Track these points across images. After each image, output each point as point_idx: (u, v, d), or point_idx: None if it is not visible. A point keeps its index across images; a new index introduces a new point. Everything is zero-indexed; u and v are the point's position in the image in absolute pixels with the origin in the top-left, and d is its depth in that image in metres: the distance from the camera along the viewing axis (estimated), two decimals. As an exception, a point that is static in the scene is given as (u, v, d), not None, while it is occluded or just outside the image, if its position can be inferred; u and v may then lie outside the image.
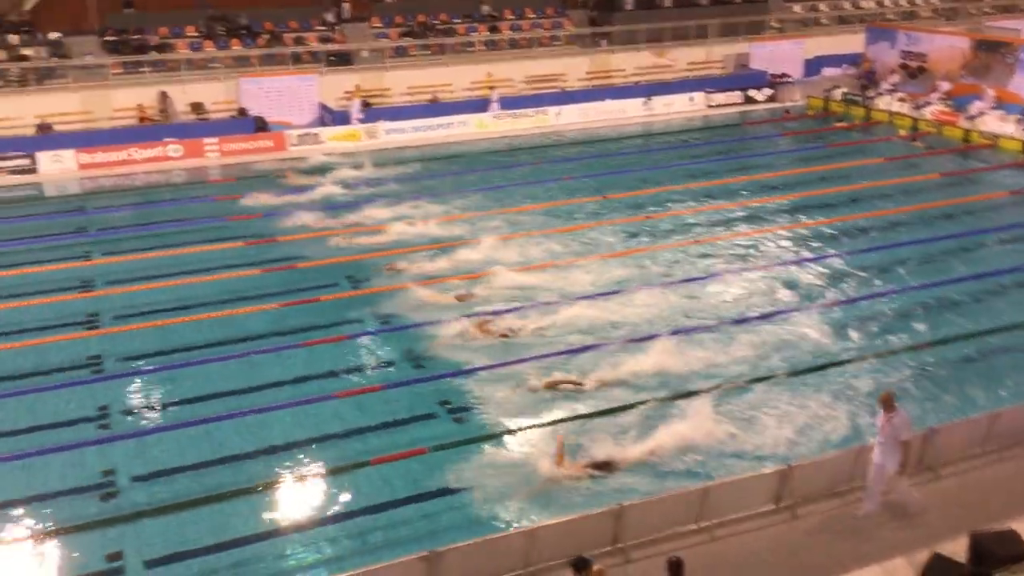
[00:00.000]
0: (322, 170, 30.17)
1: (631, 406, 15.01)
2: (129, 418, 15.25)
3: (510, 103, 36.51)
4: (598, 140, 34.61)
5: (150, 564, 11.71)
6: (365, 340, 18.01)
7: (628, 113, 37.50)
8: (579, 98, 37.66)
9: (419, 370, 16.67)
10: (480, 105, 36.12)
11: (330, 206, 26.23)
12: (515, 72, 38.97)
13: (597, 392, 15.63)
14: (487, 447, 14.11)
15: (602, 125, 36.38)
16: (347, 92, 35.63)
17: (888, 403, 11.76)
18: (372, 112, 35.20)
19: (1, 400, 15.76)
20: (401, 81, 37.34)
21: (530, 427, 14.61)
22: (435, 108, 36.05)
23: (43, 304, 19.75)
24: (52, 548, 12.03)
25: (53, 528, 12.40)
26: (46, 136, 31.63)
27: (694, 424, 14.16)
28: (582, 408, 15.13)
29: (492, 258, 21.62)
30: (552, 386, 15.67)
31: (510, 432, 14.51)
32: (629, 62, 41.03)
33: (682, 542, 11.43)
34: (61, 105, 32.68)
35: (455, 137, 34.67)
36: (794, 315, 18.56)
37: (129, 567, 11.65)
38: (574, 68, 40.03)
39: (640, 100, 37.93)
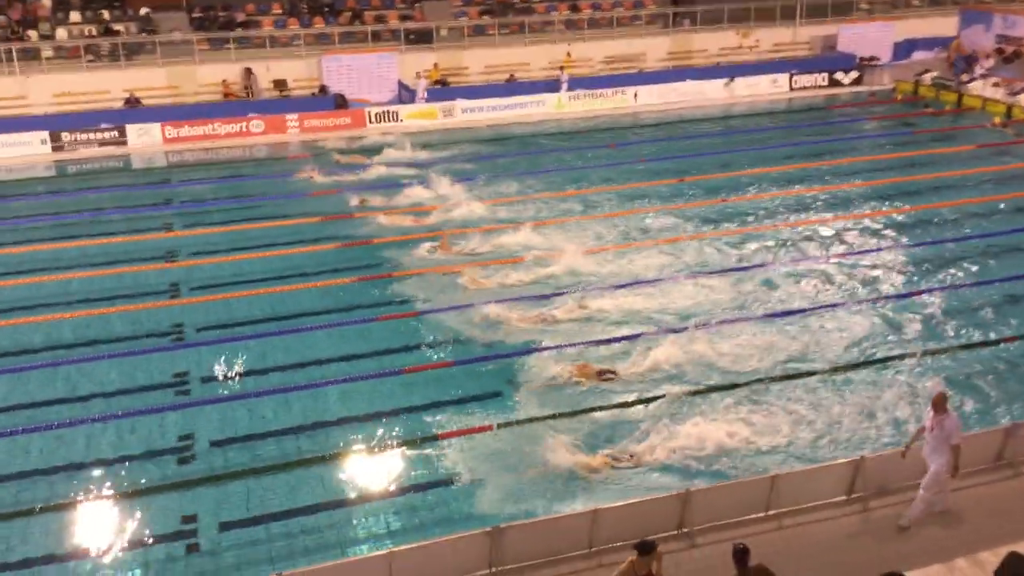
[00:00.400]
0: (395, 146, 30.39)
1: (662, 397, 14.65)
2: (207, 385, 15.67)
3: (589, 83, 36.28)
4: (677, 122, 34.13)
5: (224, 527, 12.03)
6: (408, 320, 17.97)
7: (709, 95, 36.93)
8: (659, 79, 37.19)
9: (449, 353, 16.56)
10: (558, 85, 35.93)
11: (397, 184, 26.33)
12: (594, 52, 38.65)
13: (633, 381, 15.26)
14: (504, 433, 13.90)
15: (682, 107, 35.89)
16: (425, 71, 35.77)
17: (940, 404, 11.34)
18: (449, 91, 35.35)
19: (89, 363, 16.34)
20: (479, 60, 37.37)
21: (551, 416, 14.27)
22: (512, 87, 36.02)
23: (129, 273, 20.40)
24: (132, 508, 12.44)
25: (134, 488, 12.82)
26: (134, 110, 32.57)
27: (735, 417, 13.94)
28: (616, 397, 14.80)
29: (557, 241, 21.54)
30: (584, 374, 15.29)
31: (529, 420, 14.19)
32: (712, 43, 40.32)
33: (749, 529, 11.28)
34: (149, 80, 33.58)
35: (532, 117, 34.58)
36: (869, 305, 18.07)
37: (202, 529, 12.00)
38: (654, 48, 39.54)
39: (722, 82, 37.31)
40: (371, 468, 13.37)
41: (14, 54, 32.28)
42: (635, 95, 36.23)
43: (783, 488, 11.56)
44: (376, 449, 13.74)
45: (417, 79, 35.07)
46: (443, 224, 22.86)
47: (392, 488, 12.87)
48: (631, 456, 13.05)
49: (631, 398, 14.77)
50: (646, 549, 9.35)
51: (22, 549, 11.62)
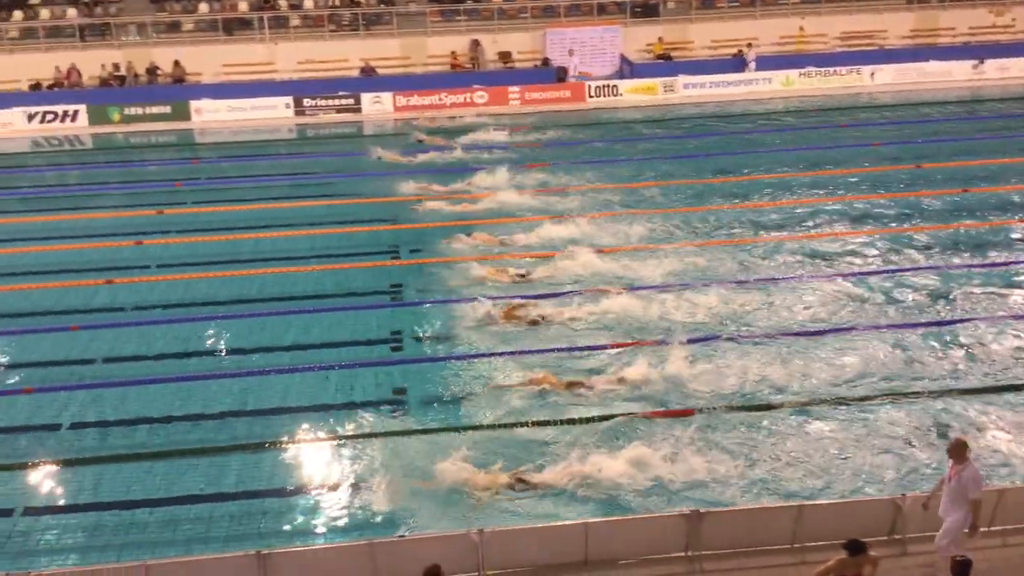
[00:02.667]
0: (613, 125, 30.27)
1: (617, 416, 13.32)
2: (418, 344, 16.24)
3: (821, 60, 34.63)
4: (917, 104, 31.95)
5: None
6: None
7: (955, 76, 34.28)
8: (899, 57, 34.94)
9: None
10: (788, 62, 34.54)
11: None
12: (830, 27, 36.70)
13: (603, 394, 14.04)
14: (420, 440, 13.06)
15: (923, 88, 33.54)
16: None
17: (959, 453, 9.90)
18: (672, 66, 34.75)
19: (311, 315, 17.34)
20: (705, 34, 36.42)
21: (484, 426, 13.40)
22: (737, 63, 34.87)
23: (355, 232, 21.45)
24: (347, 454, 13.11)
25: (349, 435, 13.50)
26: (369, 78, 34.24)
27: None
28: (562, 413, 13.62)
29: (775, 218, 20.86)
30: (537, 382, 14.17)
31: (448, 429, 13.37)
32: (960, 20, 37.27)
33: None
34: (383, 50, 35.15)
35: (756, 95, 33.43)
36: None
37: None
38: (896, 25, 37.01)
39: (970, 63, 34.48)
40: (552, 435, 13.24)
41: (265, 22, 34.70)
42: (872, 74, 34.20)
43: (1010, 503, 10.62)
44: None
45: (570, 56, 34.68)
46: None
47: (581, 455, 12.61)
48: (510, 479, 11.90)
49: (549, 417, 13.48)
50: (857, 549, 8.88)
51: (242, 481, 12.51)
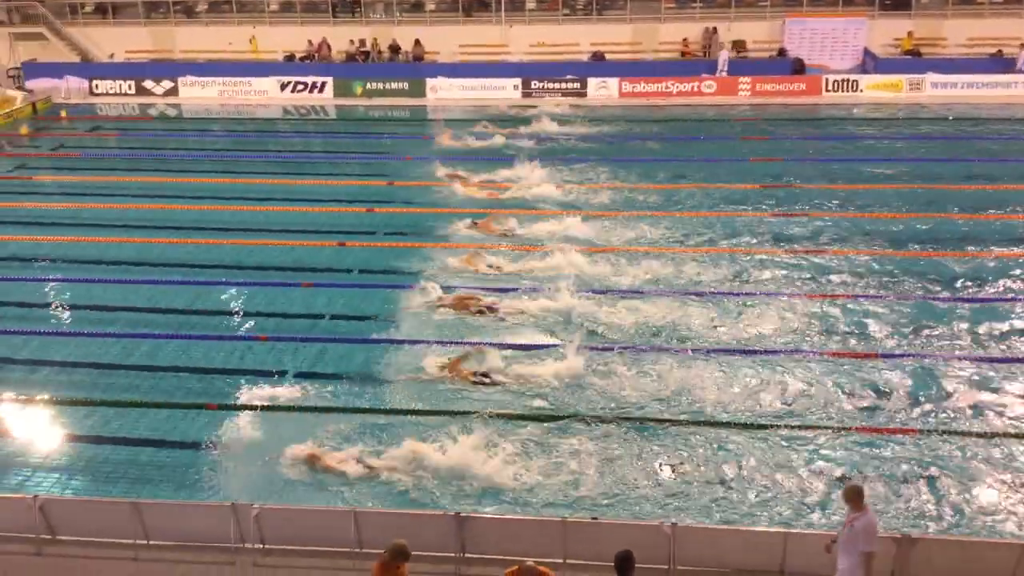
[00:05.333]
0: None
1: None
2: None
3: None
4: None
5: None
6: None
7: None
8: None
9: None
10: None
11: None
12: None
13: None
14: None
15: None
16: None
17: (853, 499, 8.94)
18: (921, 62, 32.60)
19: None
20: (961, 31, 33.84)
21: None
22: (996, 63, 32.17)
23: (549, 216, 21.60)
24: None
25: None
26: (597, 63, 34.35)
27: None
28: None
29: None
30: (457, 374, 14.38)
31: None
32: None
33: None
34: (614, 35, 35.16)
35: (1017, 98, 30.84)
36: None
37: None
38: None
39: None
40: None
41: (502, 4, 35.55)
42: None
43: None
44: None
45: (720, 49, 32.82)
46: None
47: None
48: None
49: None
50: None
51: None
